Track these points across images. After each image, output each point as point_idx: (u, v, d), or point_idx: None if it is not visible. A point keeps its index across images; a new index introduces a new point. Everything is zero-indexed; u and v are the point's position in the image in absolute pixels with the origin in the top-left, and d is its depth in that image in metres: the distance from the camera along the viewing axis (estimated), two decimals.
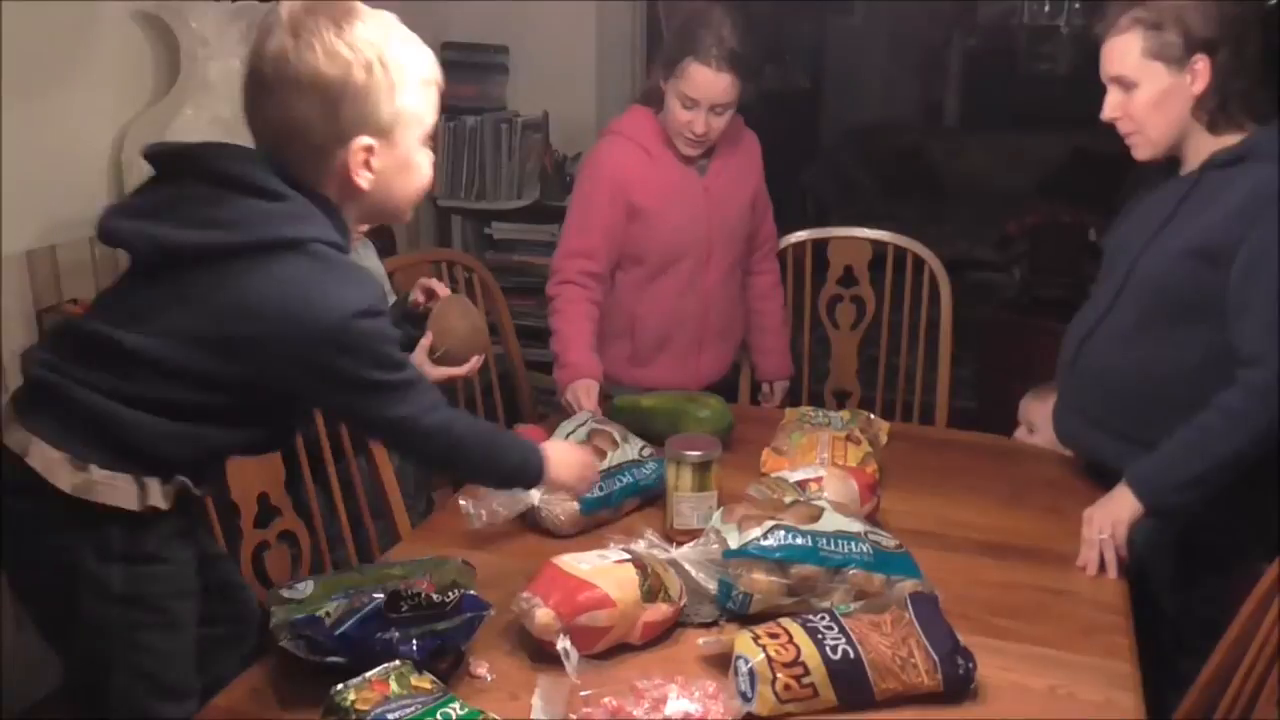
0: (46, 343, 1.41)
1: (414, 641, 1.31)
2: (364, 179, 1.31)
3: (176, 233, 1.26)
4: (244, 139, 2.45)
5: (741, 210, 2.40)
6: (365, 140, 1.29)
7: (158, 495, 1.31)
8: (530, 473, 1.53)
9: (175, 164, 1.34)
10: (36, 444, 1.29)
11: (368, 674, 1.24)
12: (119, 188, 2.53)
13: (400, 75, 1.29)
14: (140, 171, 2.42)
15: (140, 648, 1.33)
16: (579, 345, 2.25)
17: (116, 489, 1.29)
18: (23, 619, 2.30)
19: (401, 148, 1.33)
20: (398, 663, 1.26)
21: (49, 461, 1.28)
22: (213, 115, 2.45)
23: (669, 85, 2.21)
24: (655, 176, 2.28)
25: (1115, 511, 1.71)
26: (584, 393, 2.15)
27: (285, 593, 1.43)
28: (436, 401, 1.39)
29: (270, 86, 1.26)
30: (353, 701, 1.20)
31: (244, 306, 1.25)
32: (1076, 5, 7.37)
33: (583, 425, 1.92)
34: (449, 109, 3.64)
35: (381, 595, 1.34)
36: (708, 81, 2.16)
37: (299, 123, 1.26)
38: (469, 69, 3.60)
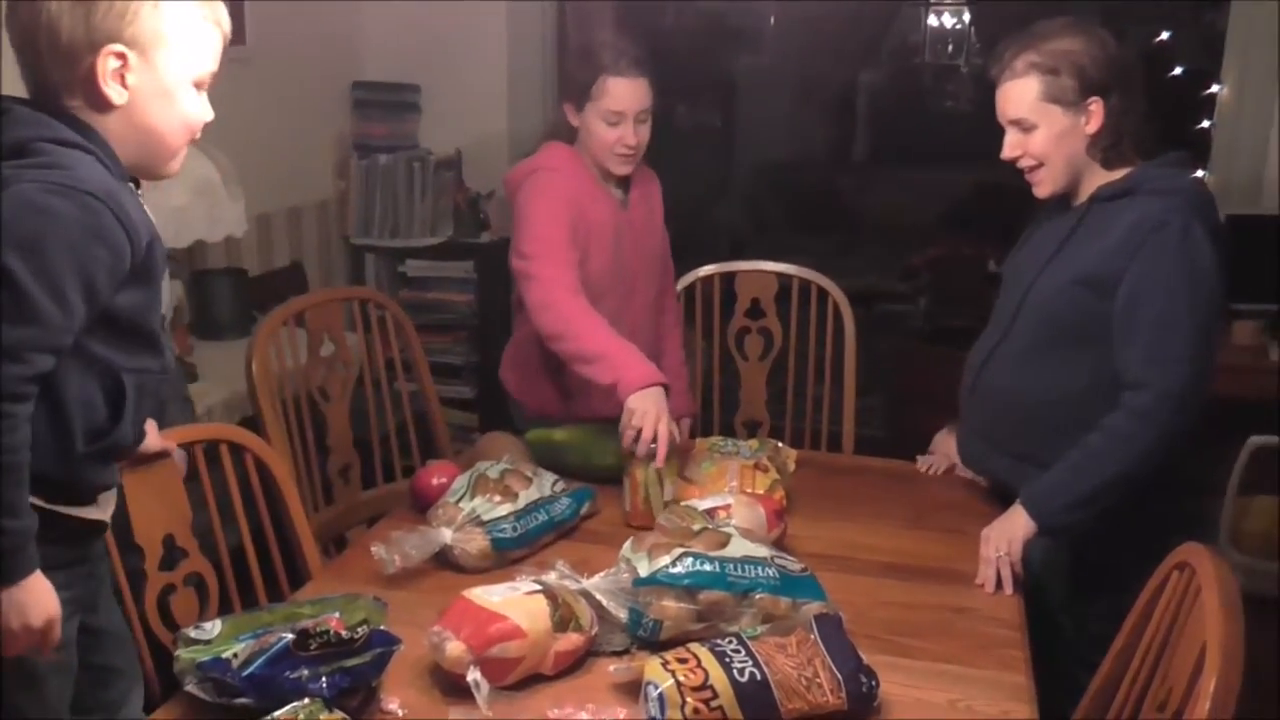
0: None
1: (323, 679, 1.30)
2: (114, 91, 1.24)
3: None
4: None
5: (661, 239, 2.44)
6: (117, 47, 1.22)
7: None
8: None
9: None
10: None
11: (276, 713, 1.23)
12: None
13: None
14: None
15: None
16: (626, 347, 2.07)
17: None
18: None
19: (163, 73, 1.26)
20: (307, 701, 1.26)
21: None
22: None
23: (587, 110, 2.20)
24: (592, 213, 2.26)
25: (1010, 530, 1.77)
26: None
27: (192, 634, 1.42)
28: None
29: None
30: None
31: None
32: (976, 45, 7.65)
33: (497, 464, 1.93)
34: (361, 147, 3.67)
35: (290, 634, 1.33)
36: (628, 91, 2.17)
37: (48, 20, 1.20)
38: (381, 107, 3.59)
